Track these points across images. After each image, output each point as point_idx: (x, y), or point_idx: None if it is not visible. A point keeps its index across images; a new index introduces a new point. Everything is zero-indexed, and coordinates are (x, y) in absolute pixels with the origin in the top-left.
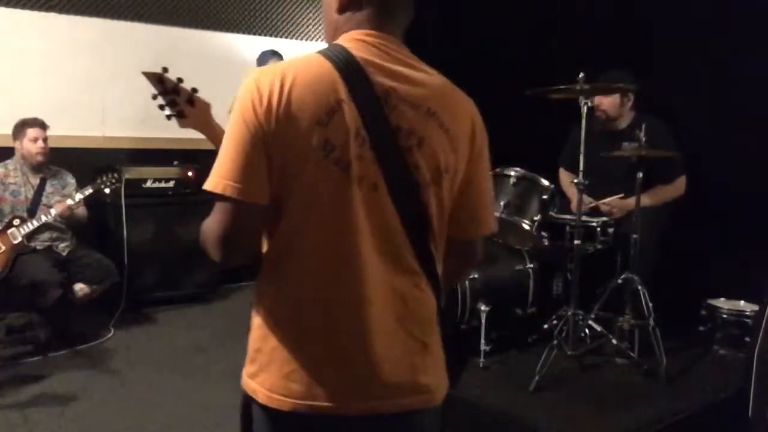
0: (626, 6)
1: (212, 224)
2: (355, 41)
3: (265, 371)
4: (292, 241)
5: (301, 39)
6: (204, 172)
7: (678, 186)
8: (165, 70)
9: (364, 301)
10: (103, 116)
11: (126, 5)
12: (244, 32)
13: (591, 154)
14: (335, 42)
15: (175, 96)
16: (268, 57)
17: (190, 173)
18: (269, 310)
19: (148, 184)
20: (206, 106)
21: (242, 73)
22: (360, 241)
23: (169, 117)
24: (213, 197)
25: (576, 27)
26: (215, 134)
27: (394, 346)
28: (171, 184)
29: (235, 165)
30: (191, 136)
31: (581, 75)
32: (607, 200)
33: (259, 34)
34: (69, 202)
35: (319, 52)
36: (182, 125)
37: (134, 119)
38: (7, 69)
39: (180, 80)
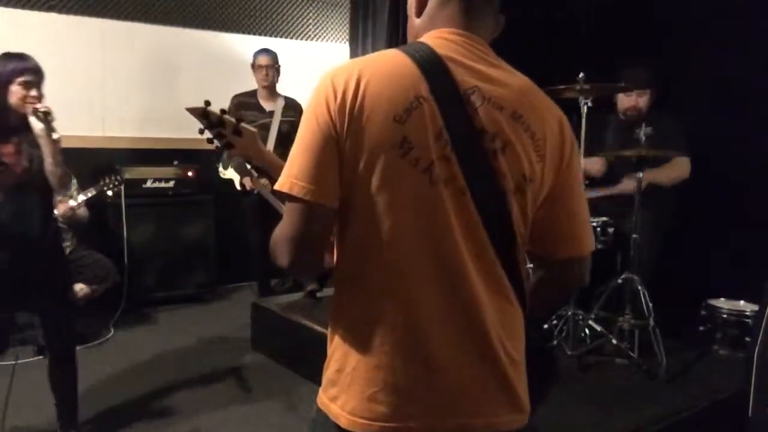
0: (626, 5)
1: (282, 228)
2: (437, 39)
3: (347, 393)
4: (372, 249)
5: (301, 39)
6: (204, 172)
7: (682, 165)
8: (207, 103)
9: (463, 312)
10: (103, 116)
11: (126, 5)
12: (244, 32)
13: (616, 142)
14: (417, 40)
15: (221, 128)
16: (258, 54)
17: (190, 173)
18: (351, 326)
19: (148, 184)
20: (253, 135)
21: (242, 73)
22: (459, 249)
23: (218, 149)
24: (283, 198)
25: (576, 24)
26: (266, 160)
27: (487, 361)
28: (171, 184)
29: (305, 165)
30: (191, 136)
31: (581, 75)
32: (612, 191)
33: (259, 34)
34: (71, 203)
35: (399, 48)
36: (232, 155)
37: (134, 119)
38: None
39: (223, 111)
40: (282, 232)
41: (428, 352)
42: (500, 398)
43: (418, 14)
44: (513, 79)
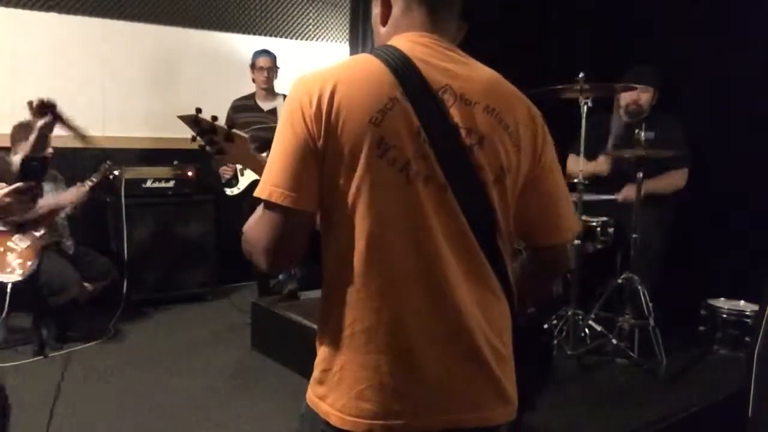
0: (625, 5)
1: (259, 231)
2: (406, 42)
3: (336, 391)
4: (355, 250)
5: (301, 39)
6: (204, 172)
7: (679, 176)
8: (198, 110)
9: (446, 310)
10: (103, 116)
11: (126, 5)
12: (244, 32)
13: (618, 143)
14: (386, 44)
15: (213, 135)
16: (258, 55)
17: (190, 173)
18: (336, 326)
19: (148, 184)
20: (245, 141)
21: (242, 73)
22: (439, 245)
23: (210, 156)
24: (262, 204)
25: (575, 25)
26: (258, 165)
27: (472, 358)
28: (171, 184)
29: (283, 172)
30: (191, 135)
31: (581, 75)
32: (614, 196)
33: (259, 34)
34: (85, 186)
35: (370, 51)
36: (225, 161)
37: (134, 119)
38: (7, 69)
39: (215, 118)
40: (259, 236)
41: (413, 350)
42: (488, 393)
43: (384, 23)
44: (480, 74)
